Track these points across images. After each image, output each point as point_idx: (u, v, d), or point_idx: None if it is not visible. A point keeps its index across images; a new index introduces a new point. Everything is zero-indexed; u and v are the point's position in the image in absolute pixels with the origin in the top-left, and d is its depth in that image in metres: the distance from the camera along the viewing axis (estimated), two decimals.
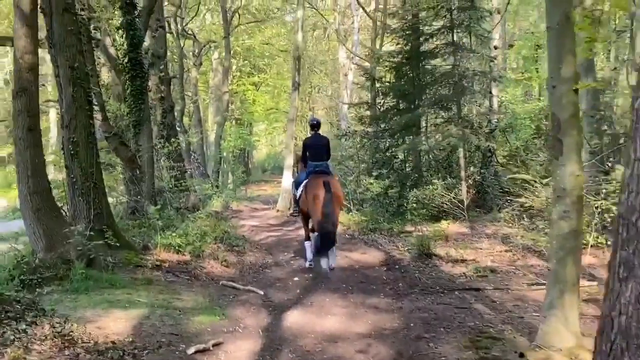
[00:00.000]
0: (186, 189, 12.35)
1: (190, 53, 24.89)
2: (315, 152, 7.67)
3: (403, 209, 11.55)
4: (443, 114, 12.66)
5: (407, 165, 12.87)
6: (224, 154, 26.34)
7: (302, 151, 8.05)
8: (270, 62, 33.54)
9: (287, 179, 15.62)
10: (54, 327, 3.92)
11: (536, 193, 8.25)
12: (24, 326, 3.83)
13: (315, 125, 7.92)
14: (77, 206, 6.73)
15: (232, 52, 26.55)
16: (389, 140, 12.96)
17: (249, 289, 6.47)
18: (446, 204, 10.82)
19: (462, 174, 12.06)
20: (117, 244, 6.86)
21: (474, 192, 11.88)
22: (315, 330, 4.92)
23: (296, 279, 7.32)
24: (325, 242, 6.90)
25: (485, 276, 6.64)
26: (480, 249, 8.28)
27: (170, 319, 4.73)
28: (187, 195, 12.03)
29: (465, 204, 10.82)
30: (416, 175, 12.09)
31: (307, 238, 7.87)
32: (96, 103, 8.87)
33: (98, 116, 9.07)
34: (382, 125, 13.66)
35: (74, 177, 6.68)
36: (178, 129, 17.72)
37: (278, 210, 15.33)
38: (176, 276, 6.67)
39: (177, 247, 7.44)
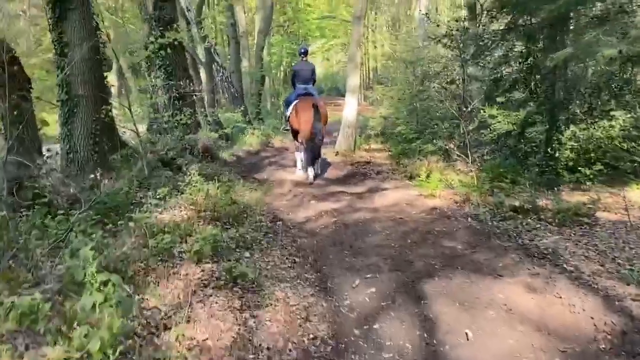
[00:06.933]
0: (193, 122, 7.75)
1: None
2: (303, 76, 8.92)
3: (553, 162, 6.70)
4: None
5: (549, 86, 7.68)
6: (273, 71, 21.89)
7: (292, 75, 9.32)
8: None
9: (351, 107, 10.88)
10: None
11: None
12: None
13: (303, 53, 9.24)
14: None
15: None
16: (521, 44, 7.76)
17: None
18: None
19: None
20: None
21: None
22: None
23: None
24: (313, 155, 8.41)
25: None
26: None
27: None
28: (193, 135, 7.43)
29: None
30: (577, 102, 7.03)
31: (297, 149, 8.79)
32: None
33: None
34: (502, 24, 8.42)
35: None
36: (194, 31, 12.94)
37: (337, 153, 10.70)
38: None
39: None
